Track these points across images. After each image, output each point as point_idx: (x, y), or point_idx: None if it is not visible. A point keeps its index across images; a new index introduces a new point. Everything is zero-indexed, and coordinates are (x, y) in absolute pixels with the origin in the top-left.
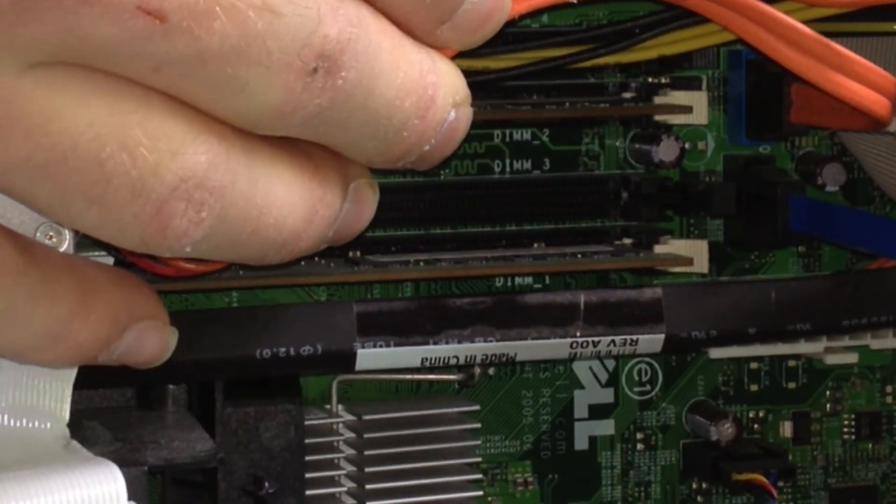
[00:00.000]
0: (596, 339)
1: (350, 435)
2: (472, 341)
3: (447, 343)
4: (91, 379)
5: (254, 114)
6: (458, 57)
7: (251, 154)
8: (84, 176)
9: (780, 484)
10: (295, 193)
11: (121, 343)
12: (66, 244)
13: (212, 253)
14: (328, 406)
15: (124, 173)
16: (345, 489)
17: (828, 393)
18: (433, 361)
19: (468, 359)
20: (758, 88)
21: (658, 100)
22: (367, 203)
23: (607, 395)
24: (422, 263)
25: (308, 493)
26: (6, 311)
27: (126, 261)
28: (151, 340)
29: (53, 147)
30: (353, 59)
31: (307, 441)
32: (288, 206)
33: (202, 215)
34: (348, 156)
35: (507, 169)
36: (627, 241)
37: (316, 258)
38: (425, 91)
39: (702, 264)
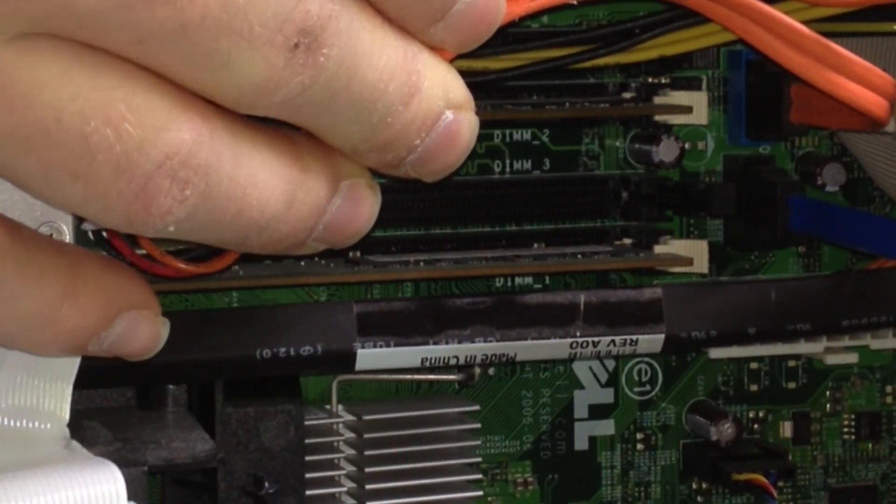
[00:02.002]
0: (596, 339)
1: (350, 435)
2: (472, 341)
3: (447, 343)
4: (91, 379)
5: (236, 90)
6: (458, 58)
7: (235, 134)
8: (68, 150)
9: (780, 484)
10: (276, 176)
11: (111, 331)
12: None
13: (194, 234)
14: (328, 406)
15: (108, 148)
16: (345, 489)
17: (828, 393)
18: (433, 361)
19: (468, 359)
20: (758, 89)
21: (658, 100)
22: (363, 203)
23: (607, 396)
24: (422, 263)
25: (308, 493)
26: None
27: (127, 261)
28: (143, 330)
29: (37, 120)
30: (334, 35)
31: (307, 441)
32: (270, 188)
33: (186, 193)
34: (333, 143)
35: (507, 169)
36: (627, 241)
37: (316, 258)
38: (409, 77)
39: (702, 264)
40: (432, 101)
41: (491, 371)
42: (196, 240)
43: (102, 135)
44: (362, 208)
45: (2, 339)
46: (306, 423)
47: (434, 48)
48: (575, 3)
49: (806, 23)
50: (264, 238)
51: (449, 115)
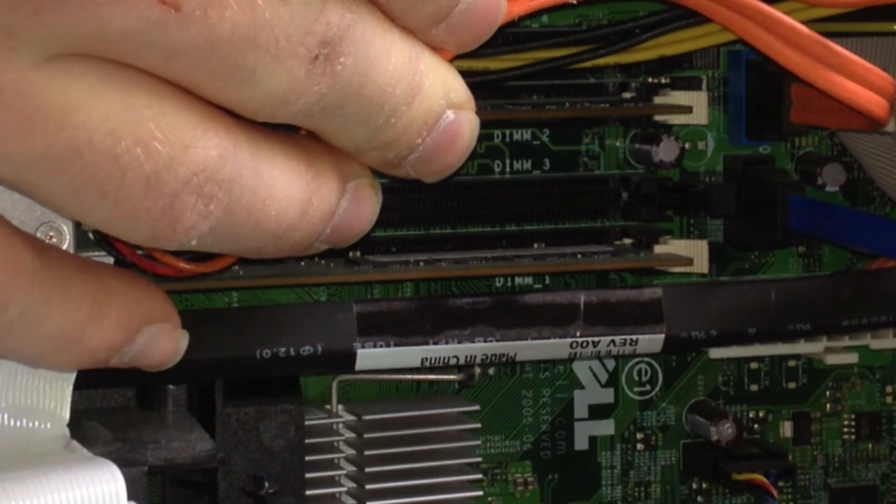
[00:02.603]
0: (596, 339)
1: (350, 435)
2: (473, 341)
3: (447, 343)
4: (91, 379)
5: (258, 101)
6: (458, 57)
7: (255, 145)
8: (99, 170)
9: (780, 484)
10: (293, 186)
11: (133, 346)
12: (66, 244)
13: (214, 245)
14: (328, 406)
15: (139, 167)
16: (345, 489)
17: (828, 393)
18: (433, 361)
19: (468, 359)
20: (758, 88)
21: (658, 100)
22: (367, 203)
23: (607, 395)
24: (422, 263)
25: (308, 493)
26: (22, 315)
27: (126, 261)
28: (163, 343)
29: (69, 141)
30: (350, 45)
31: (307, 441)
32: (287, 197)
33: (210, 208)
34: (337, 143)
35: (507, 169)
36: (627, 241)
37: (316, 258)
38: (413, 78)
39: (702, 264)
40: (434, 100)
41: (491, 371)
42: (215, 250)
43: (133, 154)
44: (366, 208)
45: (26, 359)
46: (306, 422)
47: (435, 48)
48: (575, 2)
49: (806, 23)
50: (279, 245)
51: (450, 114)
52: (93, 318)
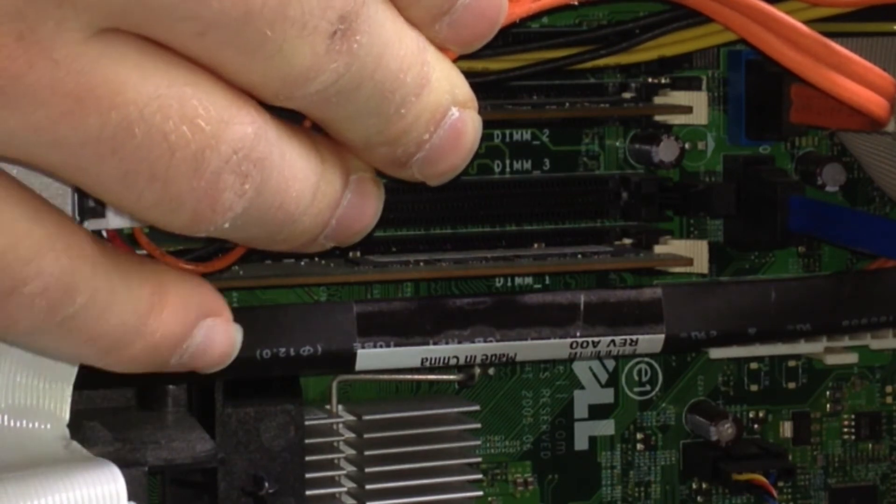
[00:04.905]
0: (596, 339)
1: (350, 435)
2: (472, 341)
3: (447, 343)
4: (91, 379)
5: (280, 79)
6: (459, 58)
7: (278, 128)
8: (150, 150)
9: (780, 484)
10: (308, 168)
11: (192, 341)
12: None
13: (237, 232)
14: (328, 406)
15: (186, 146)
16: (345, 489)
17: (828, 393)
18: (433, 361)
19: (468, 359)
20: (758, 88)
21: (658, 100)
22: (370, 197)
23: (607, 396)
24: (422, 264)
25: (308, 493)
26: (88, 305)
27: None
28: (220, 337)
29: (122, 121)
30: (365, 23)
31: (307, 441)
32: (304, 178)
33: (245, 187)
34: (348, 137)
35: (507, 169)
36: (627, 241)
37: (316, 258)
38: (422, 68)
39: (702, 264)
40: (441, 93)
41: (491, 371)
42: (233, 239)
43: (180, 132)
44: (370, 202)
45: (90, 357)
46: (306, 423)
47: (439, 48)
48: (576, 3)
49: (806, 22)
50: (290, 231)
51: (455, 111)
52: (153, 309)
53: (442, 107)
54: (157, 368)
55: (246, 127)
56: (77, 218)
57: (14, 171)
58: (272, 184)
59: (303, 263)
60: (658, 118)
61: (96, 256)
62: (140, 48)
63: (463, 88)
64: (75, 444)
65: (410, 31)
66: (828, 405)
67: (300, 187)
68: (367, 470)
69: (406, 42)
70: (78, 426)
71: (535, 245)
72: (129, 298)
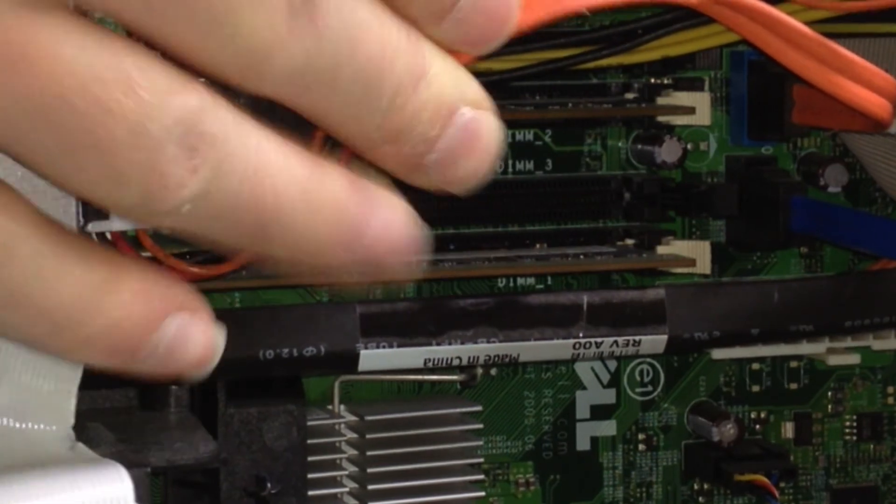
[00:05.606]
0: (598, 339)
1: (352, 435)
2: (475, 342)
3: (450, 344)
4: (94, 379)
5: (240, 55)
6: None
7: (240, 114)
8: (87, 118)
9: (782, 485)
10: (294, 165)
11: (163, 334)
12: None
13: (211, 220)
14: (330, 407)
15: (124, 116)
16: (347, 490)
17: (829, 394)
18: (436, 362)
19: (471, 359)
20: (760, 89)
21: (661, 101)
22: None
23: (609, 396)
24: (424, 264)
25: (310, 493)
26: (33, 270)
27: None
28: (197, 337)
29: (60, 90)
30: (330, 0)
31: (309, 442)
32: (286, 175)
33: (194, 163)
34: (348, 134)
35: (510, 169)
36: (630, 241)
37: None
38: (414, 57)
39: (704, 265)
40: (444, 89)
41: (493, 371)
42: (211, 233)
43: (117, 100)
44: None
45: (45, 334)
46: (308, 423)
47: (446, 48)
48: (587, 13)
49: (809, 24)
50: (283, 231)
51: (466, 111)
52: (110, 286)
53: (446, 103)
54: (126, 359)
55: (189, 98)
56: (81, 220)
57: (18, 172)
58: (236, 167)
59: None
60: (660, 119)
61: (41, 224)
62: (78, 19)
63: (473, 87)
64: (81, 445)
65: (397, 21)
66: (829, 406)
67: (277, 181)
68: (369, 470)
69: (389, 28)
70: (81, 427)
71: (538, 245)
72: (84, 271)
